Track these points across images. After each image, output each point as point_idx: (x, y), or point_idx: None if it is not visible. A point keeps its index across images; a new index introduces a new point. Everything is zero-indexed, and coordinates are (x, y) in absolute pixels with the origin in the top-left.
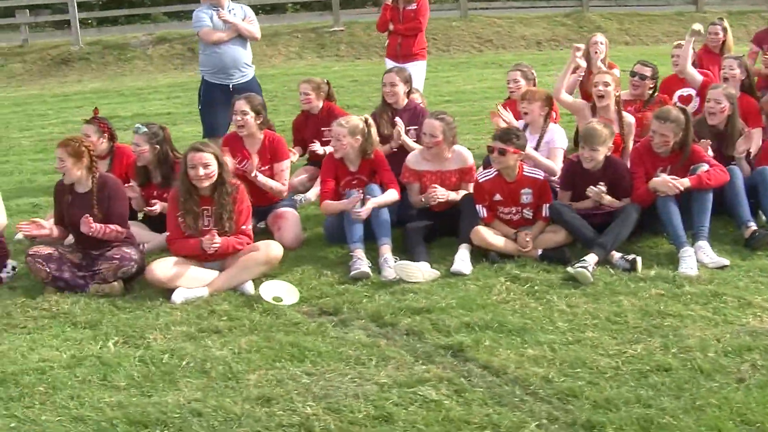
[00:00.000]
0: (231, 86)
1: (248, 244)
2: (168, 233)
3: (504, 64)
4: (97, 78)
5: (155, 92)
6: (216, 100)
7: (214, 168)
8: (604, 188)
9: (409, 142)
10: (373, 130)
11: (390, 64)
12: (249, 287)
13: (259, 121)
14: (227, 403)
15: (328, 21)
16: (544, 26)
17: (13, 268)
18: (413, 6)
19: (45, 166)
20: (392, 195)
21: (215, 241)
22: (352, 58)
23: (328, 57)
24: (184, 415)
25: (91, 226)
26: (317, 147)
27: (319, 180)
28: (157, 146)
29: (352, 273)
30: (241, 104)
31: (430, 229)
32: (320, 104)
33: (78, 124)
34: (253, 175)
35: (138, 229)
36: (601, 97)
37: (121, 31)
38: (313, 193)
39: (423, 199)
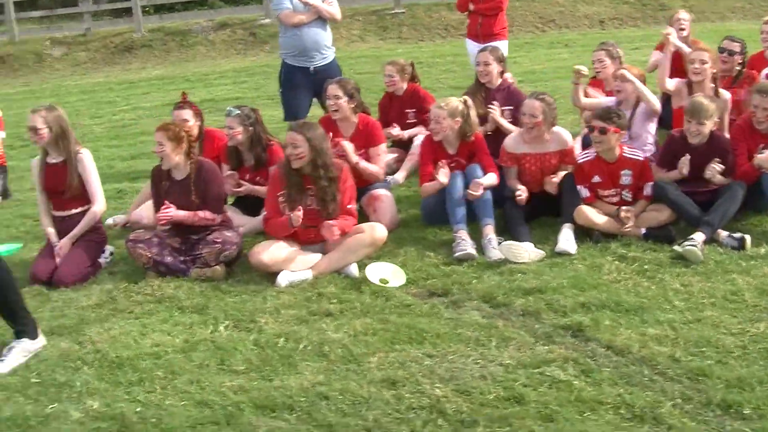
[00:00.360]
0: (312, 68)
1: (354, 225)
2: (265, 213)
3: (569, 44)
4: (161, 64)
5: (221, 77)
6: (297, 83)
7: (303, 150)
8: (720, 167)
9: (505, 124)
10: (473, 112)
11: (470, 44)
12: (353, 269)
13: (352, 105)
14: (352, 386)
15: (388, 3)
16: (607, 5)
17: (111, 254)
18: None
19: (121, 152)
20: (492, 179)
21: (299, 216)
22: (415, 40)
23: (391, 39)
24: (310, 399)
25: (173, 216)
26: (395, 130)
27: (405, 162)
28: (251, 128)
29: (457, 254)
30: (333, 88)
31: (528, 210)
32: (404, 86)
33: (147, 111)
34: (354, 161)
35: (232, 213)
36: (697, 74)
37: (182, 17)
38: (401, 175)
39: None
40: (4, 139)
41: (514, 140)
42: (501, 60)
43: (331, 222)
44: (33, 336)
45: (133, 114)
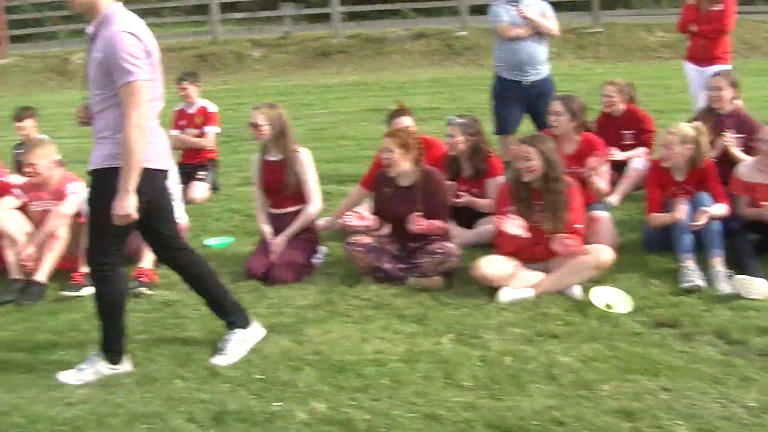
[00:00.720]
0: (526, 83)
1: (581, 245)
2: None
3: None
4: (356, 71)
5: (416, 87)
6: (510, 97)
7: (535, 162)
8: None
9: (737, 152)
10: (704, 139)
11: (690, 67)
12: (577, 291)
13: (574, 124)
14: (587, 413)
15: (587, 22)
16: None
17: (325, 254)
18: (719, 6)
19: (324, 155)
20: (722, 209)
21: (568, 243)
22: (613, 60)
23: (588, 58)
24: (543, 423)
25: (419, 225)
26: (617, 154)
27: (620, 185)
28: (472, 138)
29: (685, 284)
30: (556, 104)
31: (758, 243)
32: (622, 106)
33: (345, 115)
34: (586, 175)
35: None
36: None
37: (378, 25)
38: (615, 198)
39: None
40: (217, 134)
41: (748, 168)
42: (734, 85)
43: (564, 235)
44: (244, 325)
45: (331, 118)
